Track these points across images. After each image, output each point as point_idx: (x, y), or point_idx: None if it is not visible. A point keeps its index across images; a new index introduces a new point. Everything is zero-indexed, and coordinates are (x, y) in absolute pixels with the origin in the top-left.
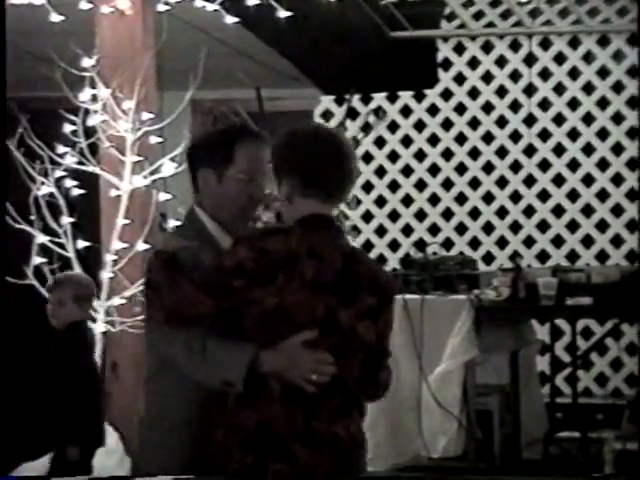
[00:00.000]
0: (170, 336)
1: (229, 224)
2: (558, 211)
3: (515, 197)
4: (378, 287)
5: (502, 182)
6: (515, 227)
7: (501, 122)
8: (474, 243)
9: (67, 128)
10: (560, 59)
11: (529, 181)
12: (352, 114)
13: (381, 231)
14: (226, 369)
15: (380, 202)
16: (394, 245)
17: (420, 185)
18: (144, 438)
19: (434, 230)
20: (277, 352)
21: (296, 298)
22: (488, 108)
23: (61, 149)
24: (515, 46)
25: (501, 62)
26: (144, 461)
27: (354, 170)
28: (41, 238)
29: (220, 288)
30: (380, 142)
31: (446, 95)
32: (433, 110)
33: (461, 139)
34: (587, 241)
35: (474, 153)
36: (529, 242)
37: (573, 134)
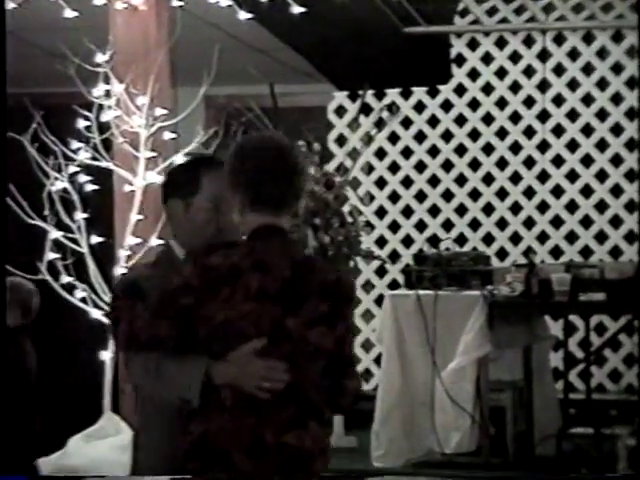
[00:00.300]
0: (130, 360)
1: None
2: (572, 207)
3: (529, 193)
4: (331, 294)
5: (516, 178)
6: (529, 223)
7: (515, 118)
8: (488, 239)
9: (81, 124)
10: (574, 55)
11: (543, 177)
12: (366, 110)
13: (394, 227)
14: (181, 388)
15: (394, 198)
16: (407, 241)
17: (433, 181)
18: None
19: (447, 226)
20: (227, 363)
21: (242, 310)
22: (502, 104)
23: (75, 145)
24: (529, 42)
25: (515, 58)
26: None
27: (301, 181)
28: (55, 233)
29: (172, 308)
30: (393, 138)
31: (460, 91)
32: (447, 106)
33: (475, 135)
34: (601, 237)
35: (488, 149)
36: (543, 238)
37: (587, 130)
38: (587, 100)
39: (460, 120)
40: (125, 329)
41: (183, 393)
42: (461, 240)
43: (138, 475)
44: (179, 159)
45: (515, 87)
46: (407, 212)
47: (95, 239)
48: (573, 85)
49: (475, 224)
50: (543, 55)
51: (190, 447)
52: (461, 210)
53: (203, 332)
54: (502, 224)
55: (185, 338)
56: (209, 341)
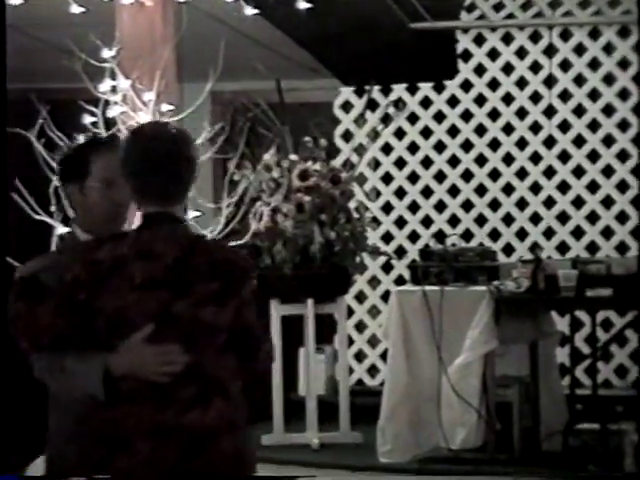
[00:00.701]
0: (37, 362)
1: (99, 232)
2: (578, 203)
3: (535, 188)
4: (220, 273)
5: (522, 173)
6: (535, 219)
7: (521, 113)
8: (494, 234)
9: (87, 119)
10: (580, 50)
11: (549, 173)
12: (372, 105)
13: (401, 222)
14: (85, 384)
15: (400, 193)
16: (414, 236)
17: (440, 176)
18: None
19: (454, 221)
20: (122, 354)
21: (129, 300)
22: (508, 99)
23: (81, 140)
24: (535, 37)
25: (521, 53)
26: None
27: (187, 170)
28: (61, 229)
29: (67, 306)
30: (400, 133)
31: (466, 86)
32: (453, 101)
33: (481, 130)
34: (607, 233)
35: (494, 144)
36: (549, 233)
37: (593, 125)
38: (593, 96)
39: (466, 116)
40: (27, 331)
41: (87, 388)
42: (467, 236)
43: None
44: None
45: (521, 83)
46: (413, 208)
47: None
48: (579, 81)
49: (481, 220)
50: (549, 51)
51: (93, 436)
52: (467, 206)
53: (100, 325)
54: (508, 220)
55: (85, 333)
56: (106, 334)
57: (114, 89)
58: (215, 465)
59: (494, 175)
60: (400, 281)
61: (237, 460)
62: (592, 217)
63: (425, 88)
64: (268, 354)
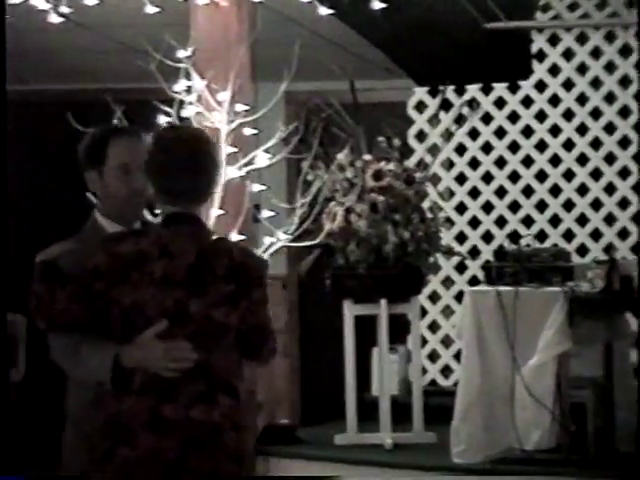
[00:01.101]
0: (52, 343)
1: (119, 218)
2: None
3: (609, 189)
4: (236, 274)
5: (596, 174)
6: (609, 219)
7: (595, 114)
8: (568, 235)
9: (162, 119)
10: None
11: (624, 173)
12: (446, 106)
13: (474, 223)
14: (95, 371)
15: (474, 194)
16: (487, 237)
17: (514, 177)
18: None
19: (528, 222)
20: (134, 347)
21: (147, 295)
22: (582, 100)
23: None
24: (610, 37)
25: (596, 53)
26: None
27: (212, 174)
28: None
29: (85, 293)
30: (474, 134)
31: (540, 87)
32: (527, 102)
33: (555, 131)
34: None
35: (568, 145)
36: (624, 234)
37: None
38: None
39: (540, 116)
40: (43, 313)
41: (97, 375)
42: (541, 236)
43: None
44: (260, 155)
45: (596, 83)
46: (487, 208)
47: None
48: None
49: (555, 220)
50: (625, 51)
51: (101, 427)
52: (541, 206)
53: (115, 316)
54: (582, 220)
55: (99, 322)
56: (120, 325)
57: (189, 89)
58: (217, 461)
59: (568, 175)
60: (474, 281)
61: (239, 458)
62: None
63: (499, 88)
64: (270, 351)
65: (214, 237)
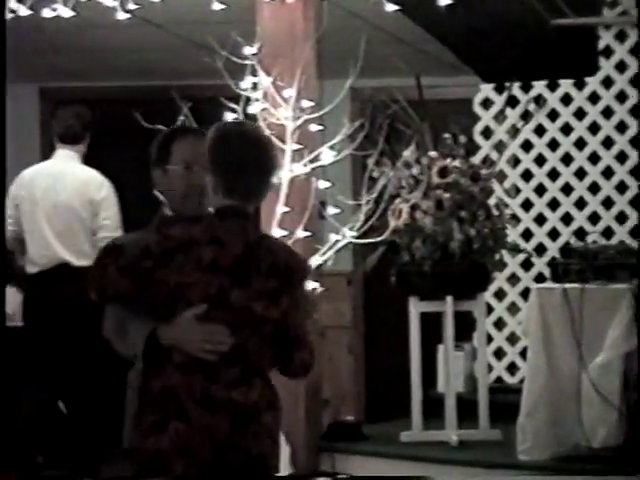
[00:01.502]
0: (104, 320)
1: (182, 212)
2: None
3: None
4: (279, 272)
5: None
6: None
7: None
8: (635, 232)
9: (228, 116)
10: None
11: None
12: (512, 102)
13: (540, 220)
14: (134, 345)
15: (539, 191)
16: (554, 234)
17: (580, 173)
18: None
19: (594, 219)
20: (172, 326)
21: (192, 278)
22: None
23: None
24: None
25: None
26: None
27: (270, 174)
28: None
29: (134, 269)
30: (540, 130)
31: (607, 83)
32: (594, 98)
33: (622, 127)
34: None
35: (635, 142)
36: None
37: None
38: None
39: (607, 112)
40: (95, 284)
41: (134, 349)
42: (608, 233)
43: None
44: (326, 152)
45: None
46: (553, 205)
47: None
48: None
49: (622, 217)
50: None
51: (148, 402)
52: (608, 203)
53: (159, 294)
54: None
55: (145, 299)
56: (163, 304)
57: (255, 86)
58: (258, 439)
59: (636, 172)
60: (540, 278)
61: (275, 437)
62: None
63: (566, 85)
64: (303, 362)
65: (262, 234)
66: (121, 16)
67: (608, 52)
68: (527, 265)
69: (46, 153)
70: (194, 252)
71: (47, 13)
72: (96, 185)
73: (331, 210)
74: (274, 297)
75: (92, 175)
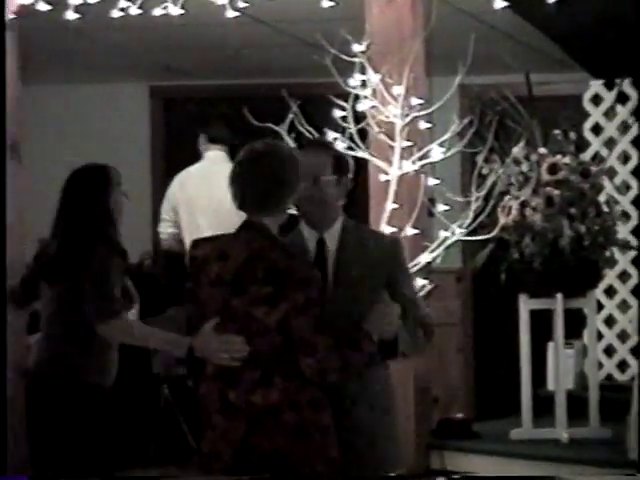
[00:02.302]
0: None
1: (309, 221)
2: None
3: None
4: (274, 278)
5: None
6: None
7: None
8: None
9: (337, 114)
10: None
11: None
12: (622, 98)
13: None
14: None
15: None
16: None
17: None
18: None
19: None
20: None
21: (205, 293)
22: None
23: (331, 134)
24: None
25: None
26: None
27: (279, 188)
28: None
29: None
30: None
31: None
32: None
33: None
34: None
35: None
36: None
37: None
38: None
39: None
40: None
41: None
42: None
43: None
44: (435, 149)
45: None
46: None
47: None
48: None
49: None
50: None
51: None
52: None
53: (193, 311)
54: None
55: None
56: (195, 320)
57: (364, 83)
58: (276, 440)
59: None
60: None
61: (302, 436)
62: None
63: None
64: (310, 368)
65: (266, 242)
66: (230, 14)
67: None
68: (638, 262)
69: (156, 151)
70: (206, 268)
71: (157, 12)
72: None
73: (440, 207)
74: (272, 303)
75: None
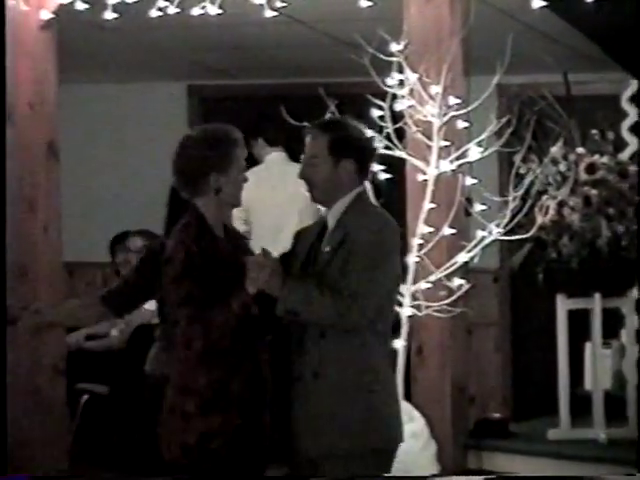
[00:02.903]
0: None
1: (313, 200)
2: None
3: None
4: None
5: None
6: None
7: None
8: None
9: (374, 113)
10: None
11: None
12: None
13: None
14: None
15: None
16: None
17: None
18: None
19: None
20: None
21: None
22: None
23: (369, 134)
24: None
25: None
26: None
27: (180, 169)
28: None
29: None
30: None
31: None
32: None
33: None
34: None
35: None
36: None
37: None
38: None
39: None
40: None
41: None
42: None
43: None
44: (473, 149)
45: None
46: None
47: None
48: None
49: None
50: None
51: None
52: None
53: None
54: None
55: None
56: None
57: (401, 83)
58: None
59: None
60: None
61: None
62: None
63: None
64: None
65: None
66: (268, 14)
67: None
68: None
69: None
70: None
71: (195, 11)
72: None
73: (477, 207)
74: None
75: None
